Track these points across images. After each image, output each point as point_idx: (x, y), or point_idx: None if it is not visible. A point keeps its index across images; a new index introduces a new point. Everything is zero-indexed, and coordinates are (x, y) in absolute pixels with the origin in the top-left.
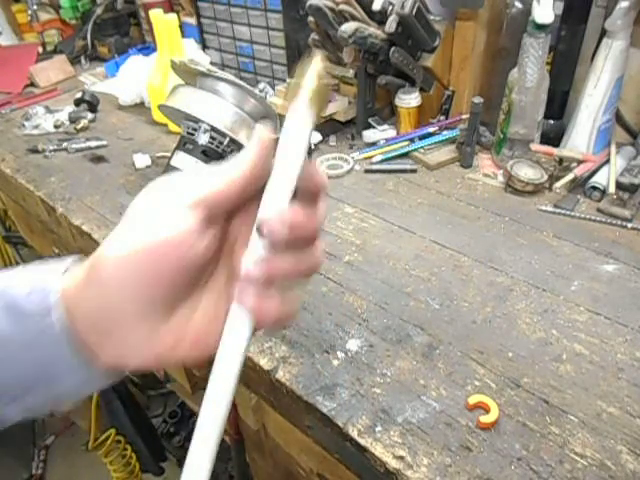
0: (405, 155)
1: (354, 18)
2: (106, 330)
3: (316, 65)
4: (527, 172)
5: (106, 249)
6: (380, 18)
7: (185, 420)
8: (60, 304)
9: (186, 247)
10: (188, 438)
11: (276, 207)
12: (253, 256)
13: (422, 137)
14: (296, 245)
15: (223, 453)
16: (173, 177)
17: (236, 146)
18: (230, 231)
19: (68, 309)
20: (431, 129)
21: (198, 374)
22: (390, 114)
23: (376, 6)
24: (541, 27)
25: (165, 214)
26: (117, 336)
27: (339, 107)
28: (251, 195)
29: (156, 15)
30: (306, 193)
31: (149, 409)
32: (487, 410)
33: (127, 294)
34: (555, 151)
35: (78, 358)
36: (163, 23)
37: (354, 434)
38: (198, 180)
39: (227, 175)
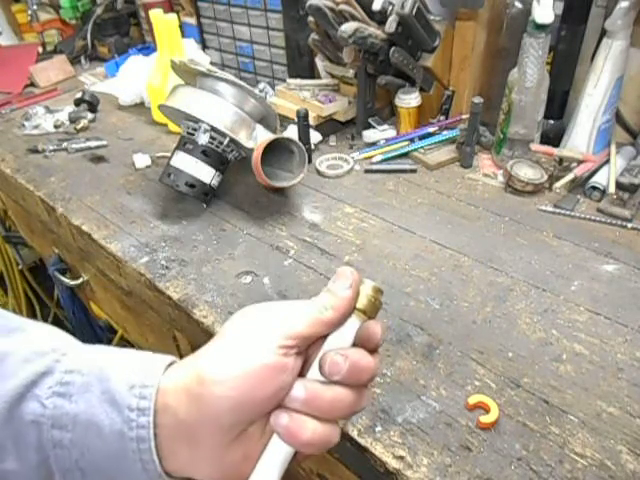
0: (405, 155)
1: (354, 18)
2: (188, 443)
3: (371, 286)
4: (527, 172)
5: (212, 368)
6: (380, 18)
7: None
8: (156, 406)
9: (280, 376)
10: None
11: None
12: (304, 382)
13: (422, 137)
14: (348, 383)
15: None
16: (268, 306)
17: (236, 146)
18: (307, 356)
19: (161, 412)
20: (431, 129)
21: None
22: (390, 114)
23: (376, 6)
24: (541, 27)
25: (263, 346)
26: (195, 449)
27: (339, 107)
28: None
29: (156, 15)
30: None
31: None
32: (487, 410)
33: (223, 413)
34: (555, 151)
35: (154, 465)
36: (163, 23)
37: (354, 434)
38: (292, 315)
39: (317, 315)
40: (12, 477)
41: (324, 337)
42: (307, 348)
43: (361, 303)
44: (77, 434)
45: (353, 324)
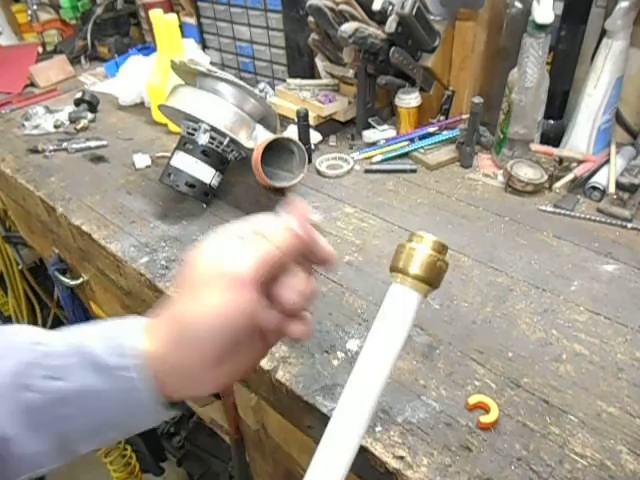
0: (405, 155)
1: (354, 18)
2: (184, 377)
3: (432, 239)
4: (527, 172)
5: (187, 308)
6: (380, 18)
7: (185, 420)
8: (144, 361)
9: (255, 313)
10: (188, 438)
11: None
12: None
13: (422, 137)
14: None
15: (223, 453)
16: (231, 232)
17: (236, 146)
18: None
19: (153, 365)
20: (431, 129)
21: None
22: (390, 114)
23: (376, 6)
24: (541, 27)
25: (232, 284)
26: (192, 380)
27: (339, 107)
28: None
29: (156, 15)
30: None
31: None
32: (487, 410)
33: (208, 349)
34: (555, 151)
35: (157, 403)
36: (163, 23)
37: None
38: (251, 246)
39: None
40: (33, 457)
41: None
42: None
43: (418, 267)
44: (81, 404)
45: (411, 300)
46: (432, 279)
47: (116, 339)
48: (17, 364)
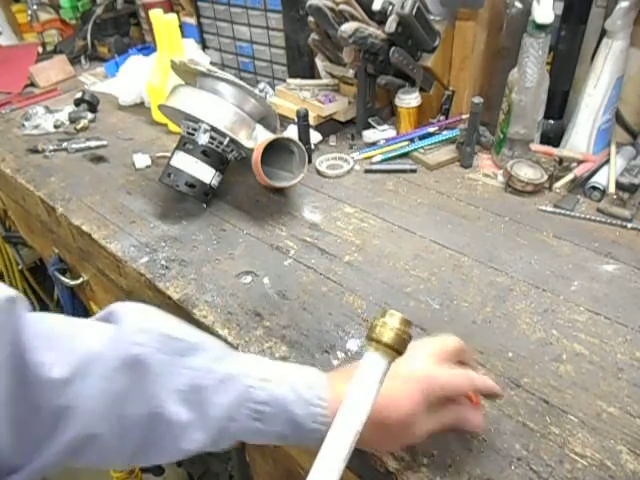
0: (405, 155)
1: (354, 18)
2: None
3: (397, 317)
4: (527, 172)
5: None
6: (380, 18)
7: None
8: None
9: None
10: None
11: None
12: None
13: (422, 137)
14: None
15: (223, 453)
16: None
17: (236, 146)
18: None
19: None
20: (431, 129)
21: None
22: (390, 114)
23: (376, 6)
24: (541, 27)
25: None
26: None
27: (339, 107)
28: None
29: (156, 15)
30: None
31: None
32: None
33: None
34: (555, 151)
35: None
36: (163, 23)
37: None
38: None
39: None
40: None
41: None
42: None
43: (388, 337)
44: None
45: (380, 364)
46: (399, 348)
47: (315, 407)
48: (232, 401)
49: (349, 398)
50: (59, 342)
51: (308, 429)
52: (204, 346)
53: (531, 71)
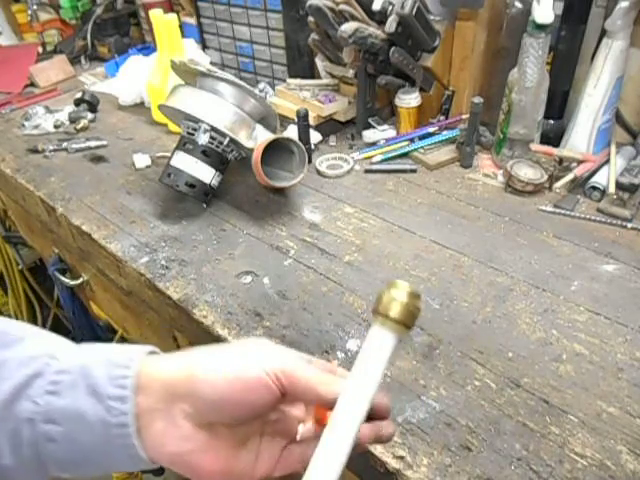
0: (405, 155)
1: (354, 18)
2: (165, 417)
3: (407, 288)
4: (527, 172)
5: (205, 364)
6: (380, 18)
7: None
8: (138, 388)
9: (266, 395)
10: None
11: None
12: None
13: (422, 137)
14: None
15: None
16: (279, 347)
17: (236, 146)
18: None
19: (142, 393)
20: (431, 129)
21: None
22: (390, 114)
23: (376, 6)
24: (541, 27)
25: (258, 363)
26: (169, 424)
27: (339, 107)
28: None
29: (156, 15)
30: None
31: None
32: None
33: (204, 402)
34: (555, 151)
35: (135, 446)
36: (163, 23)
37: None
38: (297, 362)
39: (321, 383)
40: (9, 472)
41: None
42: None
43: (395, 311)
44: (66, 427)
45: (388, 340)
46: (408, 322)
47: (122, 369)
48: (26, 376)
49: (354, 376)
50: None
51: (109, 395)
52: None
53: (531, 71)
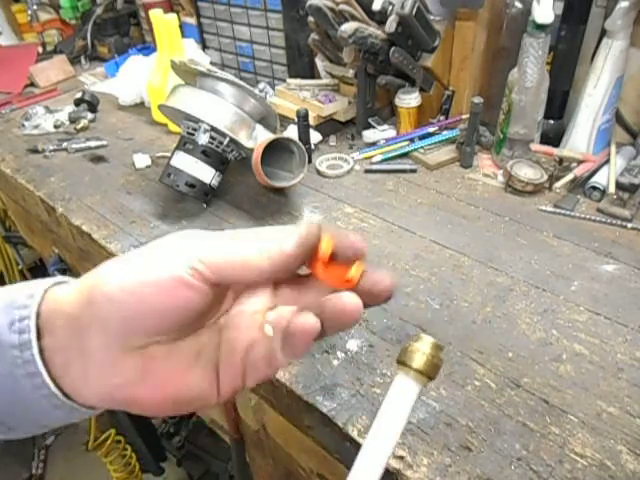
0: (405, 155)
1: (354, 18)
2: (79, 352)
3: (431, 341)
4: (527, 172)
5: (110, 272)
6: (380, 18)
7: (185, 420)
8: (42, 328)
9: (184, 292)
10: (188, 438)
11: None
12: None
13: (422, 137)
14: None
15: (223, 453)
16: (198, 233)
17: (236, 146)
18: (227, 300)
19: (47, 333)
20: (431, 129)
21: None
22: (390, 114)
23: (376, 6)
24: (541, 27)
25: (170, 261)
26: (86, 359)
27: (339, 107)
28: (265, 280)
29: (156, 15)
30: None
31: None
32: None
33: (112, 318)
34: (555, 151)
35: (54, 394)
36: (163, 23)
37: (354, 434)
38: (217, 245)
39: (245, 256)
40: None
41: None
42: (238, 290)
43: (418, 362)
44: None
45: (411, 389)
46: (431, 373)
47: (21, 309)
48: None
49: (378, 422)
50: None
51: (11, 343)
52: None
53: (531, 71)
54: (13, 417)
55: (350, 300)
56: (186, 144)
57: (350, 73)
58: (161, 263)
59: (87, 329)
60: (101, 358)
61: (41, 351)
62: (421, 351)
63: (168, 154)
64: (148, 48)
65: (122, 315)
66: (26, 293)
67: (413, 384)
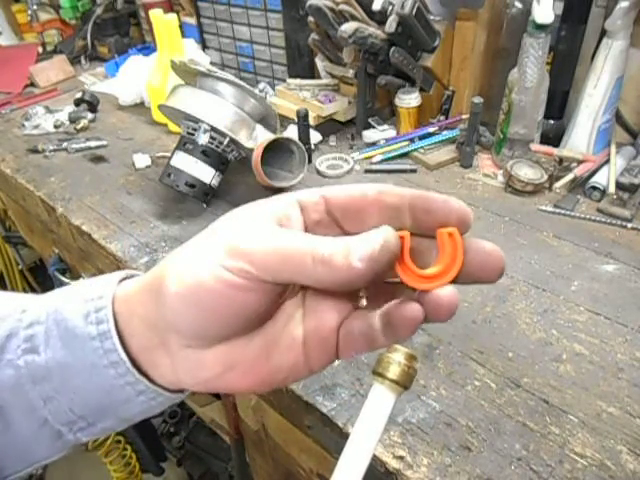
0: (405, 155)
1: (354, 18)
2: (163, 347)
3: (405, 351)
4: (527, 172)
5: (169, 275)
6: (380, 18)
7: (185, 420)
8: (119, 321)
9: (237, 295)
10: (188, 438)
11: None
12: None
13: (422, 137)
14: None
15: (223, 453)
16: (257, 209)
17: (236, 146)
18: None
19: (125, 325)
20: (431, 129)
21: None
22: (390, 114)
23: (376, 6)
24: (541, 27)
25: (208, 256)
26: (171, 354)
27: (339, 107)
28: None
29: (156, 15)
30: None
31: None
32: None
33: (183, 317)
34: (555, 151)
35: (139, 380)
36: (163, 23)
37: None
38: (259, 232)
39: (306, 249)
40: (30, 445)
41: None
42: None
43: (393, 373)
44: (56, 382)
45: (387, 399)
46: (406, 383)
47: (97, 301)
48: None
49: (355, 434)
50: None
51: (84, 336)
52: None
53: (531, 71)
54: (94, 410)
55: (445, 292)
56: (186, 144)
57: (350, 73)
58: (202, 264)
59: (164, 332)
60: (184, 357)
61: (122, 344)
62: (396, 362)
63: (168, 154)
64: (148, 48)
65: (189, 321)
66: (98, 285)
67: (388, 394)
